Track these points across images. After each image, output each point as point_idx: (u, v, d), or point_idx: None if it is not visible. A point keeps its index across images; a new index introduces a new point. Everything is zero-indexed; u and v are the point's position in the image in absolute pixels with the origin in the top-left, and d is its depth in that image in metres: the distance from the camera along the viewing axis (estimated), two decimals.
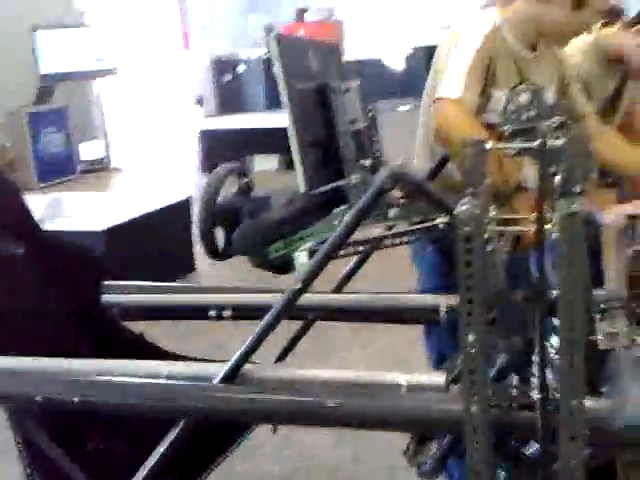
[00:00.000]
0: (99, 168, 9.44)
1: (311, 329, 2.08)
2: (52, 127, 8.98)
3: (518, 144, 1.12)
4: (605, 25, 2.43)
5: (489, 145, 1.08)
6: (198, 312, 2.07)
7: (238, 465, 2.61)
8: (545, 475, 1.14)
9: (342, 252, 1.41)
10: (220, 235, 1.65)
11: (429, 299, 1.86)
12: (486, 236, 1.13)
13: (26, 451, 1.86)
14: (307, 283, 1.31)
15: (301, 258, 1.39)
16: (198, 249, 5.06)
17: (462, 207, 1.03)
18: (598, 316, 1.51)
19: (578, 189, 1.02)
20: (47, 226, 2.40)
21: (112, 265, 2.34)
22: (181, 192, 5.36)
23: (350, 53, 8.30)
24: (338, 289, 2.06)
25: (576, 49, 2.32)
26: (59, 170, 8.85)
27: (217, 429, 1.72)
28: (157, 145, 10.93)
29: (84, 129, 9.57)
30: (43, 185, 8.26)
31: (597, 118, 2.20)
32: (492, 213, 1.19)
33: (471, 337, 1.08)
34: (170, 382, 1.41)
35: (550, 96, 1.94)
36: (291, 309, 1.33)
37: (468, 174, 1.06)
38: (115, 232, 4.32)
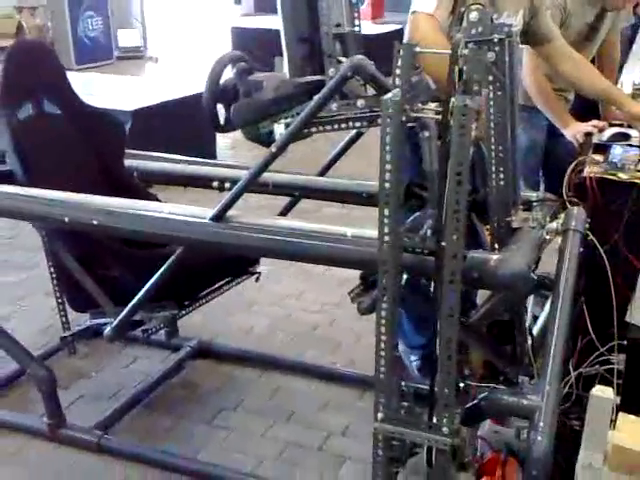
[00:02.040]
0: (135, 56, 9.69)
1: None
2: (91, 11, 9.21)
3: (442, 51, 1.44)
4: None
5: (418, 49, 1.40)
6: (204, 182, 2.46)
7: (231, 317, 3.09)
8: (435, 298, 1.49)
9: (315, 129, 1.76)
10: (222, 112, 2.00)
11: None
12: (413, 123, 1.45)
13: (56, 272, 2.32)
14: (281, 148, 1.68)
15: (279, 129, 1.75)
16: (221, 139, 5.43)
17: (388, 95, 1.37)
18: (522, 207, 1.89)
19: (476, 88, 1.35)
20: None
21: (136, 146, 2.73)
22: None
23: None
24: (322, 173, 2.41)
25: None
26: (96, 54, 9.15)
27: (205, 266, 2.13)
28: (193, 39, 11.12)
29: (123, 16, 9.77)
30: (80, 67, 8.56)
31: (568, 42, 2.46)
32: (430, 106, 1.52)
33: (386, 211, 1.42)
34: (170, 216, 1.82)
35: (518, 19, 2.22)
36: (268, 167, 1.70)
37: (399, 70, 1.39)
38: (142, 114, 4.67)
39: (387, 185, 1.42)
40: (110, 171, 2.51)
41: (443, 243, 1.45)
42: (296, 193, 2.40)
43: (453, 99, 1.35)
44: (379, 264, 1.48)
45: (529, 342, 1.91)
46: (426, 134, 1.66)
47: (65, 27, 8.92)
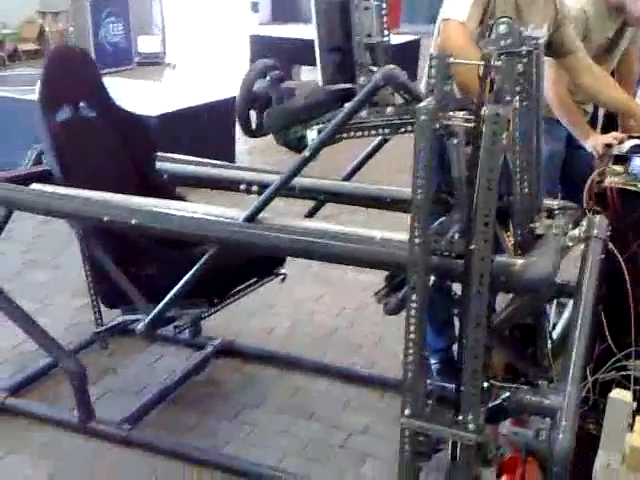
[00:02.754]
0: (155, 62, 9.80)
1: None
2: (112, 17, 9.36)
3: (475, 62, 1.50)
4: None
5: (450, 59, 1.47)
6: (232, 185, 2.53)
7: (252, 318, 3.16)
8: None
9: (345, 135, 1.83)
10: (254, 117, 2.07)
11: None
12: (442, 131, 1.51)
13: (90, 269, 2.40)
14: (314, 153, 1.75)
15: (312, 135, 1.82)
16: (239, 145, 5.52)
17: (423, 103, 1.43)
18: (544, 214, 1.94)
19: (508, 98, 1.41)
20: None
21: (161, 149, 2.81)
22: (229, 91, 5.73)
23: None
24: (348, 177, 2.48)
25: None
26: (117, 59, 9.28)
27: (234, 265, 2.21)
28: (212, 46, 11.25)
29: (143, 23, 9.90)
30: (101, 72, 8.66)
31: (589, 55, 2.52)
32: (459, 114, 1.58)
33: (418, 215, 1.47)
34: (206, 217, 1.89)
35: (543, 32, 2.28)
36: (300, 171, 1.77)
37: (434, 80, 1.46)
38: (167, 119, 4.76)
39: (419, 190, 1.48)
40: (142, 172, 2.60)
41: (471, 247, 1.50)
42: (321, 197, 2.47)
43: (485, 108, 1.42)
44: (409, 266, 1.53)
45: (549, 346, 1.96)
46: (454, 141, 1.72)
47: (87, 32, 9.06)
